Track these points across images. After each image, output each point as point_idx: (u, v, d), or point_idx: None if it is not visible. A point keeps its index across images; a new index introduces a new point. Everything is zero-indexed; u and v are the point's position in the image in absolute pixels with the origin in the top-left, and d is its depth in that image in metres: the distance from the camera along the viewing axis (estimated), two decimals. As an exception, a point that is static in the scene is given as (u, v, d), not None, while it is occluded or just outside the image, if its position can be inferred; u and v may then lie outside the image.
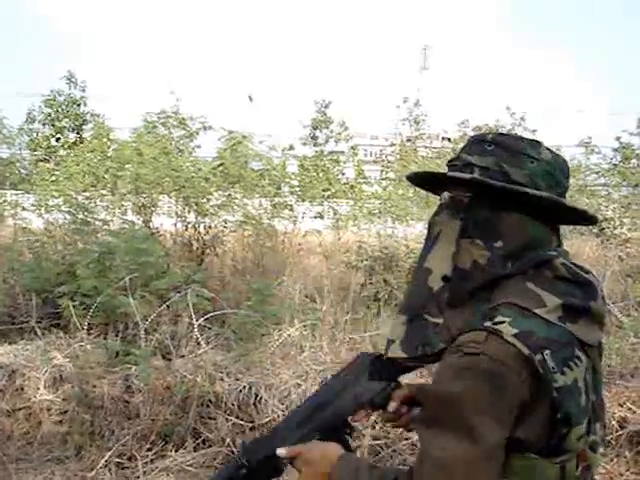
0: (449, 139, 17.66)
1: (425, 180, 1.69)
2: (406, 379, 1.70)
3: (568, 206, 1.49)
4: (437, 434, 1.31)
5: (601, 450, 1.51)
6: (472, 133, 18.55)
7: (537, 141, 1.54)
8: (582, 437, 1.39)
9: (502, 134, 1.56)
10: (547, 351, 1.32)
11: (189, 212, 8.65)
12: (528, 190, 1.44)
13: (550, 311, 1.38)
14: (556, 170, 1.51)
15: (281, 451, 1.60)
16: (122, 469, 4.55)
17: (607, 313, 5.06)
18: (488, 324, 1.36)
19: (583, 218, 1.58)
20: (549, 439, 1.36)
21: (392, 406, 1.68)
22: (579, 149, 11.42)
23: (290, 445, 1.60)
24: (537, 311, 1.37)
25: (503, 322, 1.35)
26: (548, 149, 1.53)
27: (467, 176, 1.49)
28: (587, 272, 1.50)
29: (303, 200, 9.97)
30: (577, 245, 9.35)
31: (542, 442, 1.36)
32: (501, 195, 1.47)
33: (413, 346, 1.48)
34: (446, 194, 1.57)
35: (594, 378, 1.50)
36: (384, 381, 1.67)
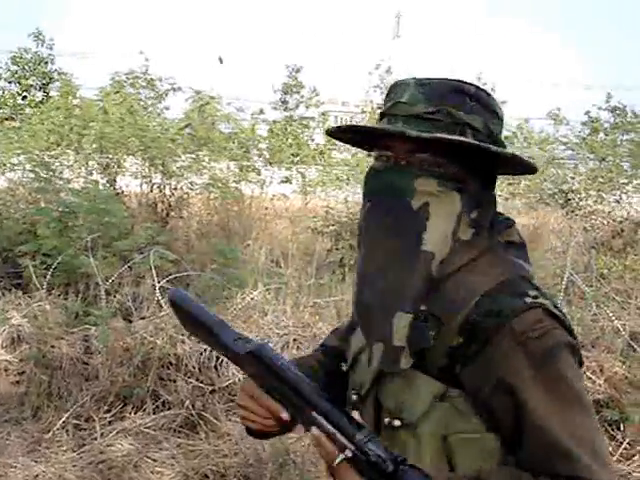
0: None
1: (357, 133, 1.41)
2: None
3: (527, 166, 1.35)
4: (570, 417, 1.19)
5: None
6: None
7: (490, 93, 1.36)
8: None
9: (475, 86, 1.33)
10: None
11: (155, 173, 8.54)
12: (526, 160, 1.31)
13: (533, 278, 1.34)
14: (503, 123, 1.37)
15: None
16: (80, 430, 4.50)
17: (570, 284, 5.01)
18: (530, 300, 1.24)
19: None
20: None
21: None
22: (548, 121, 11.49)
23: None
24: (534, 282, 1.32)
25: (537, 296, 1.25)
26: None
27: (471, 141, 1.25)
28: None
29: (271, 164, 9.92)
30: (542, 216, 9.41)
31: None
32: (485, 159, 1.29)
33: (413, 345, 1.27)
34: (421, 157, 1.27)
35: None
36: None
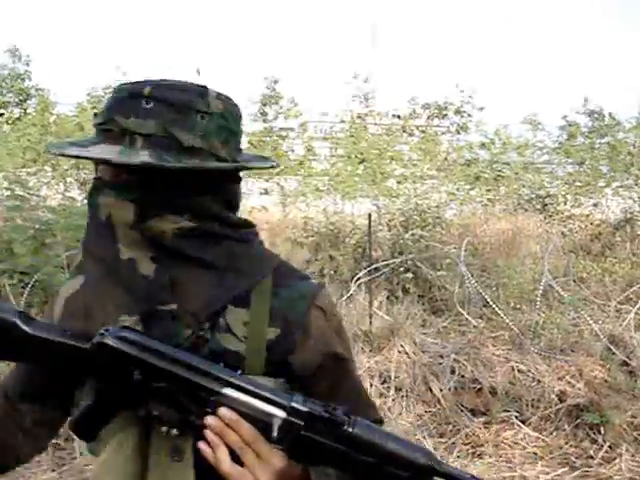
0: (399, 116, 17.71)
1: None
2: None
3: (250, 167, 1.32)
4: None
5: None
6: (420, 110, 18.67)
7: (204, 87, 1.24)
8: None
9: (162, 84, 1.21)
10: None
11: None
12: (212, 165, 1.21)
13: None
14: (229, 120, 1.25)
15: None
16: (59, 450, 4.46)
17: (549, 288, 5.01)
18: (314, 282, 1.36)
19: None
20: None
21: None
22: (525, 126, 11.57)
23: None
24: None
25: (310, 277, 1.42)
26: (217, 96, 1.25)
27: (135, 161, 1.15)
28: None
29: (250, 176, 9.91)
30: (521, 220, 9.45)
31: None
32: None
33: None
34: (104, 169, 1.24)
35: None
36: None
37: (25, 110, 23.18)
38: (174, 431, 1.15)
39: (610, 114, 12.29)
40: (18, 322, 1.12)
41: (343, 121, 15.35)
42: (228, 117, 1.25)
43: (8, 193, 7.37)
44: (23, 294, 5.54)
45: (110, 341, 1.09)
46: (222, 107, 1.24)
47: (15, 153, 9.37)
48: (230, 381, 1.07)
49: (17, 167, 8.81)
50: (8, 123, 20.58)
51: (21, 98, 25.96)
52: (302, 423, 1.05)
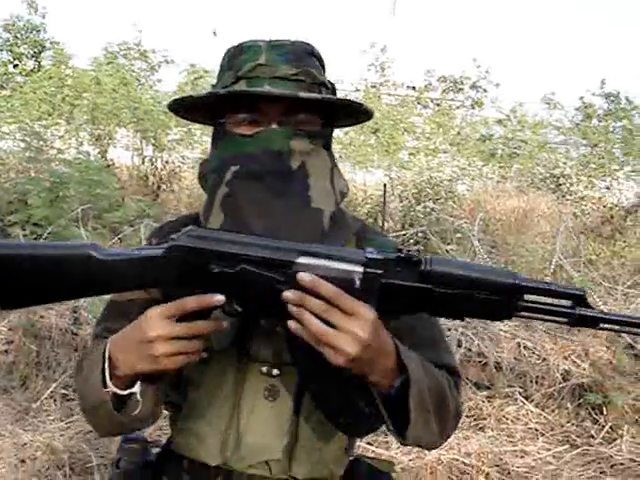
0: (414, 87, 17.58)
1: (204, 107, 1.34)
2: None
3: None
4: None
5: None
6: (436, 83, 18.53)
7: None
8: None
9: (307, 43, 1.34)
10: None
11: (147, 146, 8.51)
12: (368, 107, 1.34)
13: None
14: None
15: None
16: (67, 400, 4.51)
17: (558, 268, 5.01)
18: (392, 238, 1.43)
19: None
20: None
21: None
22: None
23: None
24: None
25: None
26: None
27: (351, 100, 1.30)
28: None
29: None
30: (533, 200, 9.43)
31: None
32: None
33: None
34: (295, 117, 1.26)
35: None
36: None
37: (39, 63, 23.10)
38: (275, 371, 1.22)
39: (627, 98, 12.20)
40: (92, 253, 1.10)
41: (358, 90, 15.25)
42: None
43: (23, 145, 7.39)
44: (36, 246, 5.56)
45: (182, 241, 1.09)
46: None
47: (31, 105, 9.35)
48: (303, 250, 1.07)
49: (32, 119, 8.80)
50: (22, 75, 20.52)
51: (36, 50, 25.86)
52: (381, 271, 1.05)
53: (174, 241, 1.10)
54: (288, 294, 1.03)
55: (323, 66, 1.34)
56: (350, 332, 1.01)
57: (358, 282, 1.04)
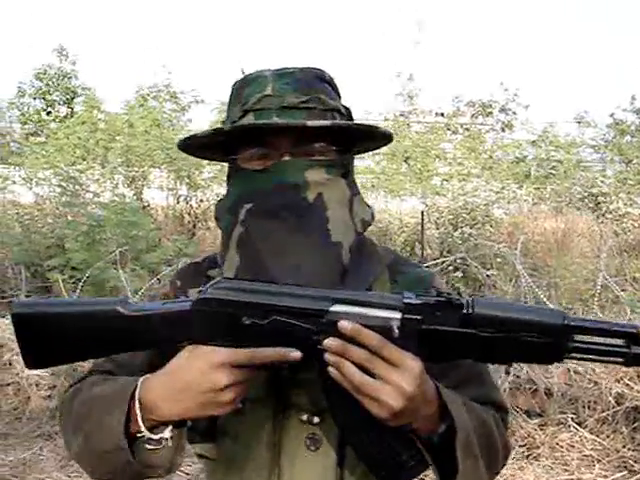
0: (442, 114, 17.56)
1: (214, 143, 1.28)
2: None
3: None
4: None
5: None
6: (465, 108, 18.50)
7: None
8: None
9: (319, 70, 1.28)
10: None
11: (181, 185, 8.57)
12: (387, 130, 1.28)
13: None
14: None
15: None
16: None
17: (602, 288, 4.89)
18: (428, 269, 1.35)
19: None
20: None
21: None
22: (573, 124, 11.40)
23: None
24: None
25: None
26: None
27: (363, 123, 1.24)
28: None
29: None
30: (572, 220, 9.30)
31: None
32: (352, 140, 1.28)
33: None
34: (307, 147, 1.20)
35: None
36: None
37: (72, 109, 23.52)
38: (315, 419, 1.15)
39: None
40: (120, 309, 1.07)
41: (387, 119, 15.27)
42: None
43: (59, 190, 7.47)
44: (75, 290, 5.58)
45: (210, 294, 1.04)
46: None
47: (65, 150, 9.49)
48: (336, 297, 1.02)
49: (67, 164, 8.92)
50: (55, 121, 20.89)
51: (68, 97, 26.35)
52: (420, 317, 0.99)
53: (202, 294, 1.05)
54: (330, 342, 0.97)
55: (337, 91, 1.29)
56: (395, 384, 0.96)
57: (397, 330, 0.99)
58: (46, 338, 1.08)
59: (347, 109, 1.27)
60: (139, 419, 1.07)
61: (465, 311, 0.98)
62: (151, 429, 1.07)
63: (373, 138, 1.30)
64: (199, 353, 1.04)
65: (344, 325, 0.97)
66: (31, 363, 1.11)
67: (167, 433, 1.08)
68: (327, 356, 0.98)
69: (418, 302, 1.00)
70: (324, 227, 1.18)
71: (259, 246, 1.18)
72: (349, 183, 1.25)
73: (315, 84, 1.23)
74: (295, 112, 1.18)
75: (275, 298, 1.03)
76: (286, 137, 1.18)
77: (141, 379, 1.10)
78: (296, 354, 1.00)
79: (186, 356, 1.04)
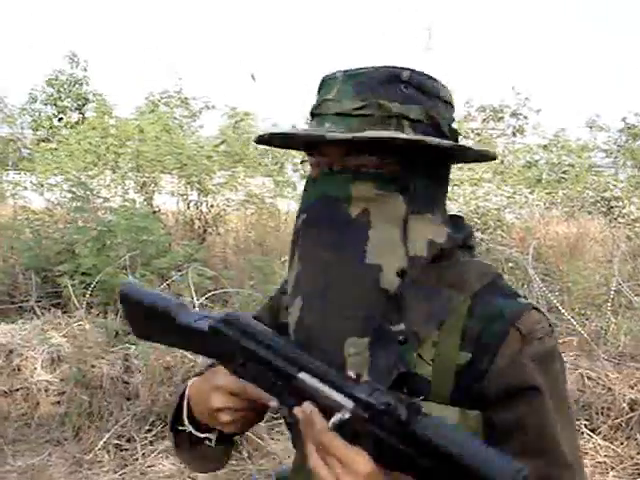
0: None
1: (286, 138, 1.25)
2: None
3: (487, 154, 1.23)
4: (565, 424, 1.09)
5: None
6: (475, 113, 18.47)
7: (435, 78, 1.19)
8: None
9: (413, 70, 1.15)
10: None
11: (191, 191, 8.58)
12: (473, 146, 1.18)
13: None
14: (454, 107, 1.21)
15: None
16: (121, 451, 4.46)
17: (615, 293, 4.86)
18: (524, 301, 1.13)
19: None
20: None
21: None
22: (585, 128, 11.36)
23: None
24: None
25: (526, 297, 1.15)
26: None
27: (410, 137, 1.07)
28: None
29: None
30: (584, 224, 9.24)
31: None
32: (436, 155, 1.14)
33: (384, 373, 1.06)
34: (356, 159, 1.10)
35: None
36: None
37: (83, 115, 23.61)
38: None
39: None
40: (172, 311, 1.20)
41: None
42: (454, 107, 1.21)
43: (70, 195, 7.49)
44: (85, 295, 5.58)
45: (214, 324, 1.12)
46: (450, 96, 1.19)
47: (76, 156, 9.51)
48: (304, 365, 0.98)
49: (78, 170, 8.94)
50: (67, 128, 20.97)
51: (79, 103, 26.46)
52: (366, 416, 0.88)
53: (214, 322, 1.13)
54: (298, 413, 0.95)
55: (425, 92, 1.13)
56: None
57: (344, 419, 0.90)
58: (134, 316, 1.30)
59: (429, 116, 1.12)
60: (183, 413, 1.19)
61: (407, 425, 0.85)
62: (200, 427, 1.17)
63: (446, 153, 1.16)
64: (210, 372, 1.14)
65: (299, 411, 0.95)
66: (133, 333, 1.35)
67: (212, 435, 1.17)
68: (298, 424, 0.96)
69: (366, 400, 0.89)
70: (361, 247, 1.08)
71: (301, 261, 1.14)
72: (409, 199, 1.11)
73: (381, 87, 1.11)
74: (349, 119, 1.10)
75: (257, 345, 1.05)
76: (337, 146, 1.10)
77: (194, 379, 1.20)
78: (274, 404, 1.02)
79: (207, 371, 1.18)
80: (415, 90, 1.12)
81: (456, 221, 1.21)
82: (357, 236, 1.09)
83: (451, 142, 1.12)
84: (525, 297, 1.15)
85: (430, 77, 1.15)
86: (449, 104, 1.17)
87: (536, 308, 1.11)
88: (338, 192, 1.10)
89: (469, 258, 1.18)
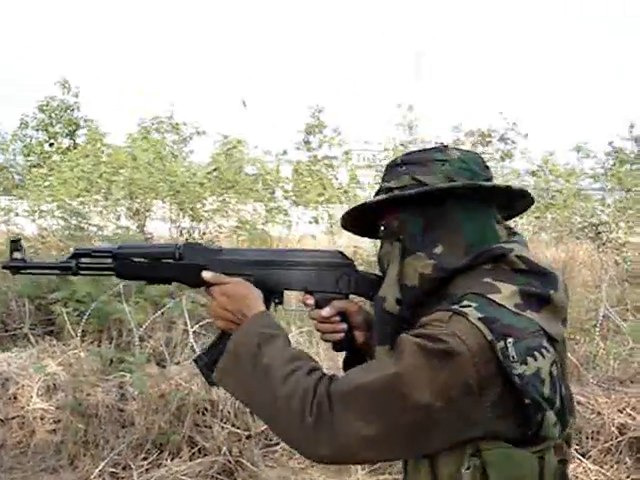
0: (442, 144, 17.64)
1: (358, 221, 1.71)
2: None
3: (491, 187, 1.51)
4: (372, 370, 1.37)
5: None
6: (464, 138, 18.60)
7: (444, 145, 1.58)
8: (556, 425, 1.35)
9: (410, 152, 1.60)
10: (510, 339, 1.30)
11: (184, 217, 8.62)
12: (440, 186, 1.48)
13: (505, 297, 1.36)
14: (470, 163, 1.53)
15: (207, 274, 1.66)
16: (117, 479, 4.48)
17: (604, 318, 4.96)
18: (455, 306, 1.35)
19: (515, 199, 1.59)
20: (523, 428, 1.33)
21: (326, 311, 1.72)
22: (574, 153, 11.44)
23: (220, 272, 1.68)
24: (491, 296, 1.36)
25: (469, 306, 1.34)
26: (456, 149, 1.58)
27: (382, 197, 1.54)
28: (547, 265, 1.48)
29: (297, 205, 9.96)
30: (572, 249, 9.33)
31: (515, 431, 1.33)
32: (425, 202, 1.51)
33: None
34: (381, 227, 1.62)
35: (562, 372, 1.45)
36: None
37: (74, 140, 23.69)
38: None
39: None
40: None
41: (387, 149, 15.33)
42: (467, 161, 1.53)
43: (62, 223, 7.52)
44: (79, 323, 5.60)
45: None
46: (460, 155, 1.54)
47: (69, 183, 9.55)
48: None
49: (71, 197, 8.98)
50: (58, 153, 21.01)
51: (70, 129, 26.53)
52: None
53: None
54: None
55: (415, 163, 1.55)
56: None
57: None
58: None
59: (415, 179, 1.52)
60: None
61: None
62: None
63: (424, 199, 1.52)
64: None
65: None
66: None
67: None
68: None
69: None
70: (380, 286, 1.56)
71: None
72: (404, 244, 1.53)
73: (387, 173, 1.60)
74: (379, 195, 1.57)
75: None
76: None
77: None
78: None
79: None
80: (407, 165, 1.56)
81: (467, 249, 1.48)
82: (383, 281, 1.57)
83: (420, 189, 1.49)
84: (471, 306, 1.35)
85: (423, 150, 1.59)
86: (446, 161, 1.53)
87: (460, 314, 1.33)
88: (379, 254, 1.62)
89: (481, 276, 1.42)
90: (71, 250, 1.74)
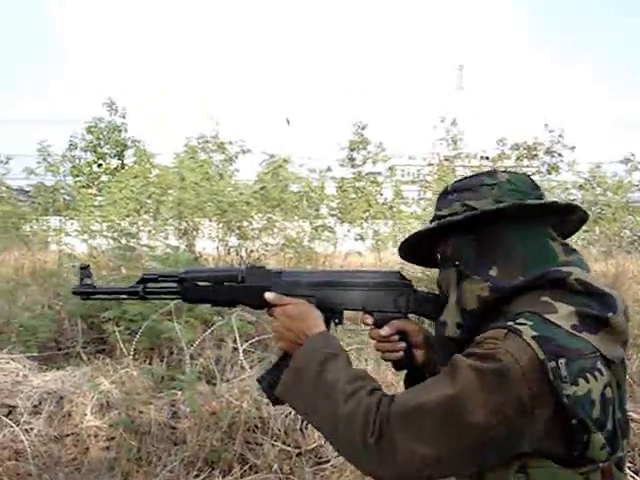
0: (487, 157, 17.51)
1: (416, 250, 1.77)
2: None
3: (538, 205, 1.54)
4: (429, 390, 1.40)
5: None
6: (509, 151, 18.45)
7: (493, 170, 1.64)
8: (604, 447, 1.35)
9: (459, 179, 1.67)
10: (562, 359, 1.32)
11: (231, 236, 8.69)
12: (487, 208, 1.53)
13: (561, 317, 1.38)
14: (518, 184, 1.58)
15: (269, 296, 1.71)
16: (170, 495, 4.54)
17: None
18: (510, 323, 1.39)
19: (567, 214, 1.62)
20: (570, 448, 1.34)
21: (385, 330, 1.78)
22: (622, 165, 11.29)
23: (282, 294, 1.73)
24: (547, 316, 1.38)
25: (525, 324, 1.37)
26: (505, 171, 1.63)
27: (432, 225, 1.63)
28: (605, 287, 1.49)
29: (342, 222, 9.98)
30: (621, 263, 9.19)
31: (562, 451, 1.34)
32: (476, 226, 1.57)
33: None
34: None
35: (618, 395, 1.46)
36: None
37: (122, 161, 24.09)
38: None
39: None
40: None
41: (431, 164, 15.30)
42: (516, 182, 1.58)
43: (113, 242, 7.65)
44: (131, 341, 5.69)
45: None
46: (509, 177, 1.59)
47: (119, 204, 9.71)
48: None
49: (120, 217, 9.14)
50: (106, 174, 21.41)
51: (118, 149, 27.01)
52: None
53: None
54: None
55: (466, 189, 1.62)
56: None
57: None
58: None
59: (466, 205, 1.59)
60: None
61: None
62: None
63: (470, 224, 1.60)
64: None
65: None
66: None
67: None
68: None
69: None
70: (442, 311, 1.62)
71: None
72: (459, 269, 1.60)
73: (438, 201, 1.69)
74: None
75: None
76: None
77: None
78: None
79: None
80: (457, 193, 1.63)
81: (523, 269, 1.51)
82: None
83: (468, 213, 1.56)
84: (526, 324, 1.39)
85: (473, 176, 1.65)
86: (495, 184, 1.58)
87: (514, 332, 1.37)
88: (438, 278, 1.71)
89: (540, 296, 1.46)
90: (139, 275, 1.80)
